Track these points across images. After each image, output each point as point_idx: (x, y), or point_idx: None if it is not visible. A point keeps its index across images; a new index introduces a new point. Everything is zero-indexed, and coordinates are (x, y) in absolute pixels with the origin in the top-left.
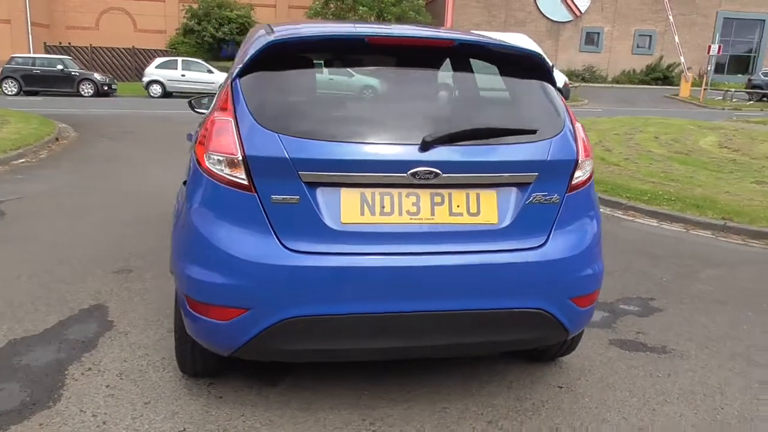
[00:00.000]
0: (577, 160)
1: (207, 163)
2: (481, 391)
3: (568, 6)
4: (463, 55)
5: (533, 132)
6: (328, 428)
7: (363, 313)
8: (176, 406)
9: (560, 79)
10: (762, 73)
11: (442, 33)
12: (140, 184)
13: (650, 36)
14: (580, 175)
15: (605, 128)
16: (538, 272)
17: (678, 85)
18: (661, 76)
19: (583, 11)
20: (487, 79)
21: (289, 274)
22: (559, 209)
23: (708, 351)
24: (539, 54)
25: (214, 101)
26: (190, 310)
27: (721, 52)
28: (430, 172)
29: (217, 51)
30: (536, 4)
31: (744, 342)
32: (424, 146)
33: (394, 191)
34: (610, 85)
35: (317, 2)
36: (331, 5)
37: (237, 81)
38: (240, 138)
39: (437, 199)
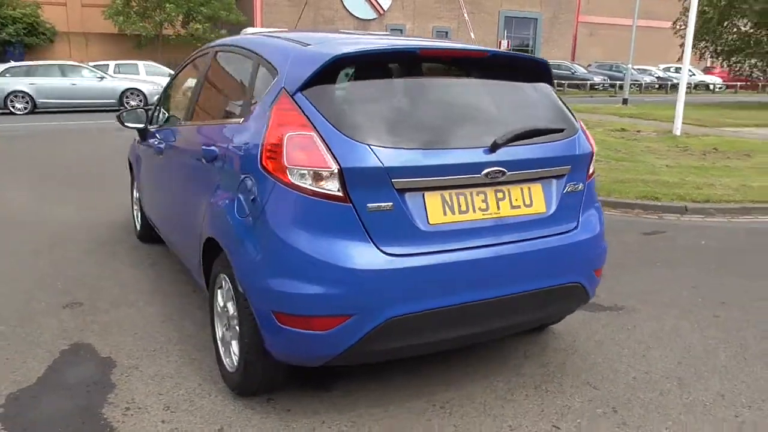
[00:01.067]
0: (593, 153)
1: (291, 178)
2: (507, 366)
3: (371, 4)
4: (494, 64)
5: (562, 131)
6: (409, 417)
7: (449, 305)
8: (252, 427)
9: None
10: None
11: (473, 46)
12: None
13: (446, 32)
14: (592, 166)
15: None
16: (575, 251)
17: None
18: None
19: (385, 9)
20: (511, 85)
21: (389, 277)
22: (583, 196)
23: (650, 304)
24: (546, 62)
25: (187, 112)
26: (282, 325)
27: (510, 47)
28: (499, 171)
29: (1, 54)
30: (342, 2)
31: (668, 295)
32: (493, 148)
33: (467, 191)
34: None
35: (117, 1)
36: (134, 3)
37: (300, 95)
38: (330, 151)
39: (500, 195)
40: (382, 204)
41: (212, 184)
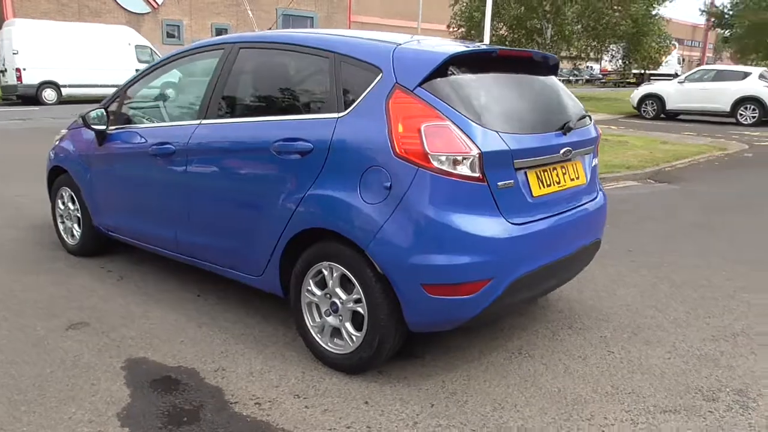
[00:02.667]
0: (600, 135)
1: (434, 164)
2: (521, 338)
3: None
4: (534, 61)
5: (589, 116)
6: (508, 368)
7: (548, 262)
8: (393, 398)
9: None
10: None
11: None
12: None
13: (226, 29)
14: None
15: None
16: (600, 214)
17: None
18: None
19: (160, 3)
20: (546, 78)
21: (515, 242)
22: (596, 169)
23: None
24: (556, 57)
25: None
26: (431, 295)
27: None
28: (569, 151)
29: None
30: None
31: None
32: (566, 131)
33: (549, 168)
34: None
35: None
36: None
37: (420, 89)
38: (469, 137)
39: (563, 170)
40: (507, 182)
41: (306, 176)
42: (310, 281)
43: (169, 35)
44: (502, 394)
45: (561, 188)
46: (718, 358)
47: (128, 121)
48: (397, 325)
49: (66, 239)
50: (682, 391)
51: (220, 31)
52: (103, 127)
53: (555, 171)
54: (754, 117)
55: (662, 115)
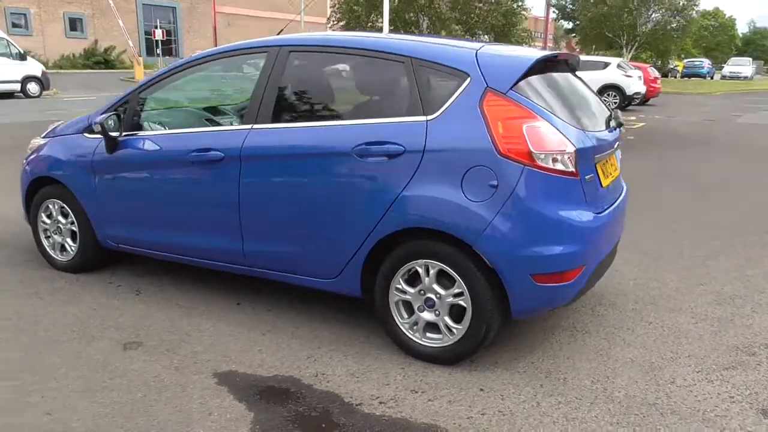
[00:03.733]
0: None
1: (539, 162)
2: (568, 317)
3: None
4: (570, 63)
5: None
6: (578, 345)
7: (609, 250)
8: (503, 383)
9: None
10: None
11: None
12: None
13: (81, 19)
14: None
15: None
16: (626, 202)
17: (119, 68)
18: (103, 60)
19: None
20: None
21: (599, 230)
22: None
23: None
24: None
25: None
26: (539, 284)
27: (165, 36)
28: (617, 145)
29: None
30: None
31: None
32: (615, 127)
33: (605, 161)
34: (55, 70)
35: None
36: None
37: (512, 92)
38: (565, 136)
39: (611, 162)
40: (590, 175)
41: (397, 178)
42: (400, 279)
43: (15, 25)
44: (588, 368)
45: (612, 179)
46: (732, 319)
47: (139, 126)
48: (500, 315)
49: (54, 256)
50: (726, 350)
51: (73, 21)
52: (117, 134)
53: (609, 163)
54: (615, 103)
55: None
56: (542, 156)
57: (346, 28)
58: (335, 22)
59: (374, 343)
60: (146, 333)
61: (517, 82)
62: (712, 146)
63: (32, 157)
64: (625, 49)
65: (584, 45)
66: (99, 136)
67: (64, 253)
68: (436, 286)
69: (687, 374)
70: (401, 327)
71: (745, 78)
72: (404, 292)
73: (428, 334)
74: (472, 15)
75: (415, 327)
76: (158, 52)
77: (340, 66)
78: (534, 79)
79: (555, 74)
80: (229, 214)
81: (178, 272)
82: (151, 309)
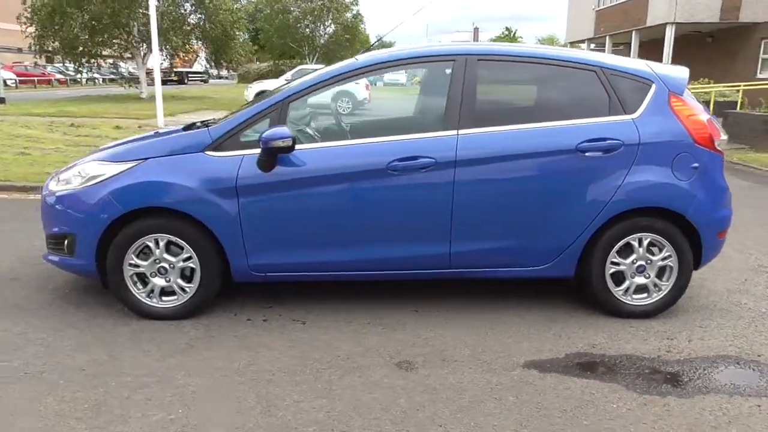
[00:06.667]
0: None
1: (718, 147)
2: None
3: None
4: None
5: None
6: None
7: None
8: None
9: None
10: None
11: None
12: None
13: None
14: None
15: None
16: None
17: None
18: None
19: None
20: None
21: None
22: None
23: None
24: None
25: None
26: (719, 239)
27: None
28: None
29: None
30: None
31: None
32: None
33: None
34: None
35: None
36: None
37: (686, 94)
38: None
39: None
40: None
41: (618, 168)
42: (615, 254)
43: None
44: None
45: None
46: None
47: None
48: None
49: (151, 303)
50: None
51: None
52: (292, 147)
53: None
54: (348, 108)
55: None
56: (716, 141)
57: (40, 30)
58: (28, 24)
59: (582, 314)
60: (390, 353)
61: (683, 86)
62: None
63: (114, 188)
64: (308, 58)
65: (270, 54)
66: (230, 153)
67: (168, 298)
68: (648, 255)
69: None
70: (615, 294)
71: (402, 84)
72: (619, 264)
73: (635, 296)
74: (179, 23)
75: (628, 291)
76: None
77: (527, 74)
78: None
79: None
80: (439, 218)
81: (313, 294)
82: (331, 333)
